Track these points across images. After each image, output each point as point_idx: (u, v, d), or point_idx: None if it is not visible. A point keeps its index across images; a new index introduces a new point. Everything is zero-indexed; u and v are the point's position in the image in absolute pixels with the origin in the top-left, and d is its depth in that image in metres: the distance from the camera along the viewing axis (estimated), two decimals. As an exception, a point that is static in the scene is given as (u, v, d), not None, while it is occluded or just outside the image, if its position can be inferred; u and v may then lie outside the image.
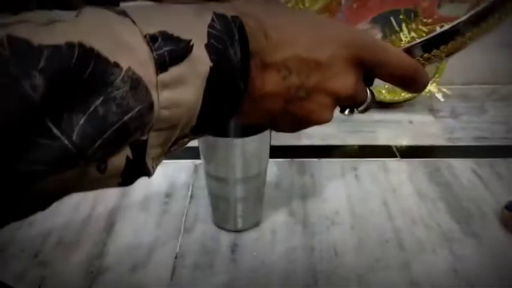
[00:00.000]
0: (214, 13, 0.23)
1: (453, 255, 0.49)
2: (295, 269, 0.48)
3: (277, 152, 0.66)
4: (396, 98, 0.81)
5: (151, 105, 0.21)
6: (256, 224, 0.54)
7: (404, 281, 0.46)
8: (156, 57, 0.21)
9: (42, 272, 0.47)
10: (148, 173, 0.24)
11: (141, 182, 0.24)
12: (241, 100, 0.26)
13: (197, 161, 0.65)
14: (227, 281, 0.46)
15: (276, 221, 0.55)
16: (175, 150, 0.26)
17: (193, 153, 0.60)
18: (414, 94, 0.82)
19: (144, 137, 0.22)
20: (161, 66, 0.21)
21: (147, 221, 0.55)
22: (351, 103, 0.31)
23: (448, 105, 0.85)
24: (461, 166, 0.66)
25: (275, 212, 0.56)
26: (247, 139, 0.47)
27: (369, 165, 0.66)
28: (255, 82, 0.26)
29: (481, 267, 0.48)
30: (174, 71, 0.21)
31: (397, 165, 0.66)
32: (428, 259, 0.49)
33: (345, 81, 0.28)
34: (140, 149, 0.22)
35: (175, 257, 0.49)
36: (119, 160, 0.22)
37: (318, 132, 0.75)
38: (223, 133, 0.46)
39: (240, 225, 0.53)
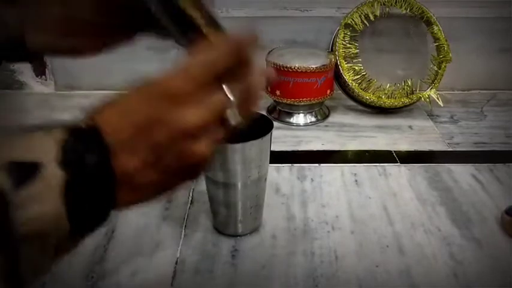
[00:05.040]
0: (66, 128, 0.26)
1: (453, 260, 0.49)
2: (295, 273, 0.48)
3: (277, 157, 0.66)
4: (396, 104, 0.82)
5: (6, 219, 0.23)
6: (257, 229, 0.54)
7: (404, 285, 0.46)
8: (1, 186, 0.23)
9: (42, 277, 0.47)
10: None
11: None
12: (115, 203, 0.27)
13: (197, 166, 0.65)
14: (227, 285, 0.46)
15: (276, 225, 0.55)
16: (66, 253, 0.27)
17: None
18: (413, 99, 0.82)
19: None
20: (9, 191, 0.23)
21: (148, 226, 0.55)
22: (218, 125, 0.31)
23: (447, 111, 0.85)
24: (460, 171, 0.66)
25: (275, 216, 0.56)
26: (247, 144, 0.47)
27: (368, 170, 0.66)
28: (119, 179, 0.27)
29: (481, 271, 0.48)
30: (22, 193, 0.23)
31: (397, 170, 0.66)
32: (428, 263, 0.49)
33: (181, 119, 0.28)
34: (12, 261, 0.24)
35: (176, 262, 0.49)
36: None
37: (318, 136, 0.76)
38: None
39: (240, 230, 0.53)
